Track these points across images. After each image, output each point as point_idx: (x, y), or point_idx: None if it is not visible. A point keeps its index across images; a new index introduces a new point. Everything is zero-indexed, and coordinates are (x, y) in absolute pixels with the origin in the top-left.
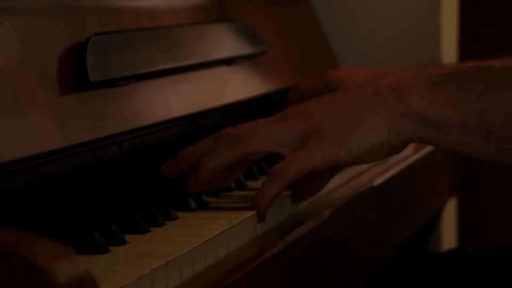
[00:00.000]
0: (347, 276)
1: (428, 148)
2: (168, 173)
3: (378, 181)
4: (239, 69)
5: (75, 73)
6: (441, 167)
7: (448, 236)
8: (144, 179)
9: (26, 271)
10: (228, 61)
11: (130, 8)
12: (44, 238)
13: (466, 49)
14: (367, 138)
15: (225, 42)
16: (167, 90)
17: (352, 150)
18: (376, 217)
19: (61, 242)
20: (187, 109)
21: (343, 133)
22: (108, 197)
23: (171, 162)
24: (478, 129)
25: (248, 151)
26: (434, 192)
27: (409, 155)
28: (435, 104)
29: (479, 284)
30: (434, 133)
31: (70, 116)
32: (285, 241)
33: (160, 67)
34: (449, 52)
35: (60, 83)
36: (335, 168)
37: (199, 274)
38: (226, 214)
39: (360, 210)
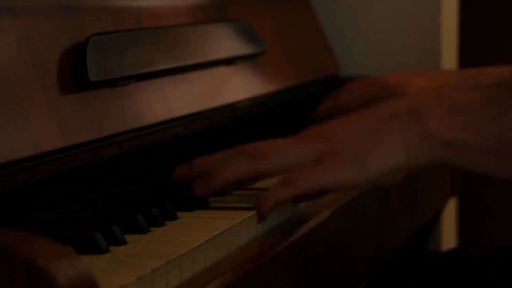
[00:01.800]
0: (347, 276)
1: None
2: (181, 177)
3: None
4: (239, 69)
5: (75, 73)
6: (441, 167)
7: (448, 236)
8: (144, 179)
9: (26, 271)
10: (228, 61)
11: (130, 8)
12: (44, 238)
13: (466, 49)
14: (385, 161)
15: (225, 42)
16: (167, 90)
17: (369, 174)
18: (376, 217)
19: (61, 242)
20: (187, 109)
21: (360, 156)
22: (108, 197)
23: (185, 167)
24: (498, 150)
25: (263, 169)
26: (434, 192)
27: None
28: (454, 126)
29: (479, 284)
30: (454, 155)
31: (70, 116)
32: (285, 241)
33: (160, 67)
34: (449, 52)
35: (60, 83)
36: None
37: (199, 274)
38: (226, 214)
39: (360, 210)
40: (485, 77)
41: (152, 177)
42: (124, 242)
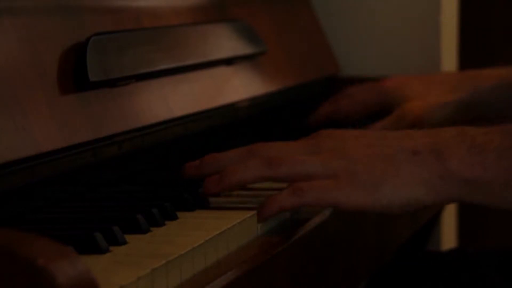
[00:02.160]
0: (348, 276)
1: None
2: (191, 174)
3: None
4: (239, 69)
5: (75, 73)
6: None
7: (448, 236)
8: (144, 179)
9: (26, 271)
10: (228, 61)
11: (130, 8)
12: (44, 238)
13: (466, 49)
14: (400, 193)
15: (225, 42)
16: (167, 90)
17: (382, 203)
18: (376, 217)
19: (61, 242)
20: (187, 109)
21: (377, 184)
22: (108, 197)
23: (196, 164)
24: None
25: (277, 176)
26: None
27: None
28: (475, 165)
29: (479, 284)
30: (476, 194)
31: (70, 116)
32: (286, 241)
33: (160, 67)
34: (449, 52)
35: (60, 83)
36: None
37: (199, 274)
38: (226, 214)
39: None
40: (483, 79)
41: (152, 177)
42: (124, 242)
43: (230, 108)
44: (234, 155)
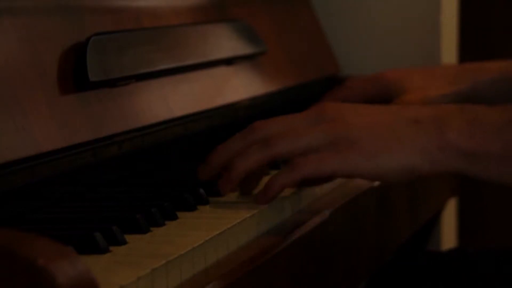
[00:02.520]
0: (347, 276)
1: None
2: (204, 175)
3: (378, 181)
4: (239, 69)
5: (75, 73)
6: None
7: (448, 236)
8: (144, 179)
9: (26, 271)
10: (228, 61)
11: (130, 8)
12: (44, 238)
13: (466, 49)
14: (398, 161)
15: (225, 42)
16: (167, 90)
17: (379, 169)
18: (376, 217)
19: (61, 242)
20: (187, 109)
21: (375, 150)
22: (108, 197)
23: (205, 167)
24: None
25: (278, 153)
26: (434, 192)
27: None
28: (474, 137)
29: (479, 284)
30: (473, 166)
31: (70, 116)
32: (286, 241)
33: (160, 67)
34: (449, 52)
35: (60, 83)
36: None
37: (199, 274)
38: (226, 214)
39: (360, 210)
40: (483, 72)
41: (152, 177)
42: (124, 242)
43: (230, 108)
44: (235, 143)
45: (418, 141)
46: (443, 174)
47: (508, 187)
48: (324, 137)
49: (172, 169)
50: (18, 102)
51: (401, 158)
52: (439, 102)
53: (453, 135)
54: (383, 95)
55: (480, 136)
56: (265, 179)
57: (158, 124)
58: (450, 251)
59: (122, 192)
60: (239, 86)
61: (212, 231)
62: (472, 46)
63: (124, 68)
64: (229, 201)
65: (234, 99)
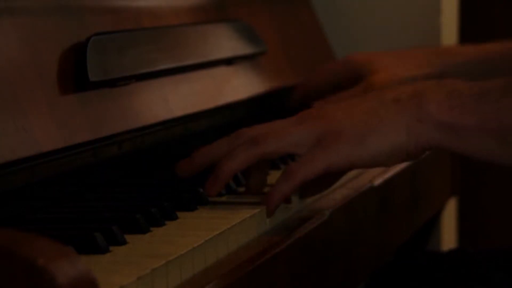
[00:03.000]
0: (347, 276)
1: None
2: (183, 171)
3: (378, 181)
4: (239, 69)
5: (75, 73)
6: (441, 167)
7: (448, 236)
8: (144, 179)
9: (26, 271)
10: (228, 61)
11: (130, 8)
12: (44, 238)
13: None
14: (386, 141)
15: (225, 42)
16: (167, 90)
17: (369, 153)
18: (376, 217)
19: (61, 242)
20: (187, 109)
21: (361, 135)
22: (108, 197)
23: (187, 160)
24: (495, 132)
25: (265, 151)
26: (434, 192)
27: None
28: (453, 109)
29: (479, 284)
30: (452, 138)
31: (70, 116)
32: (285, 241)
33: (160, 67)
34: None
35: (60, 83)
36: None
37: (199, 274)
38: (226, 214)
39: (360, 210)
40: (452, 55)
41: (152, 177)
42: (124, 242)
43: (230, 108)
44: (221, 145)
45: (401, 118)
46: (427, 149)
47: (492, 165)
48: (309, 134)
49: (172, 169)
50: (18, 102)
51: (387, 138)
52: (408, 82)
53: (432, 107)
54: (353, 77)
55: (459, 107)
56: (269, 177)
57: (158, 124)
58: (450, 251)
59: (122, 192)
60: (239, 86)
61: (212, 231)
62: None
63: (124, 68)
64: (229, 201)
65: (234, 99)
